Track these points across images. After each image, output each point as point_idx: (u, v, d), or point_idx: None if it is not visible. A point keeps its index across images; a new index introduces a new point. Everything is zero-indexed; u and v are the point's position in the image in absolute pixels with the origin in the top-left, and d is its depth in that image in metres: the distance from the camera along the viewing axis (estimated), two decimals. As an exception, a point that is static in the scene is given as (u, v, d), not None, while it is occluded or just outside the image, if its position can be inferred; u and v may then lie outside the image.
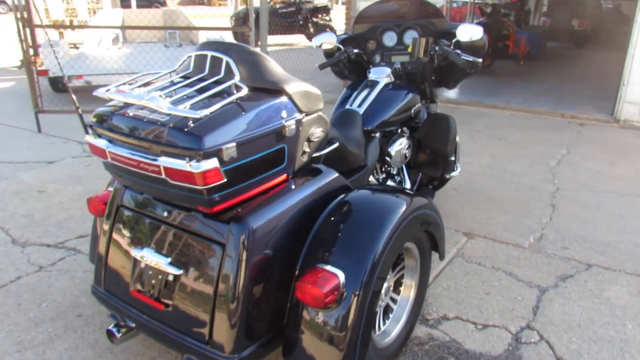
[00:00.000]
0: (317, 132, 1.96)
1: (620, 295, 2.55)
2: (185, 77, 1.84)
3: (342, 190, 2.01)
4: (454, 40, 2.78)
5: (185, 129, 1.54)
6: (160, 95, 1.60)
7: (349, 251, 1.73)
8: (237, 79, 1.74)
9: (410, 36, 2.99)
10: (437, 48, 2.76)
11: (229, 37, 8.21)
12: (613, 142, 5.21)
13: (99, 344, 2.19)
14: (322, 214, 1.88)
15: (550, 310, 2.43)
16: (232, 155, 1.59)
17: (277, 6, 14.59)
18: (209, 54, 1.84)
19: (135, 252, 1.84)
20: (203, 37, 8.39)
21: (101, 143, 1.72)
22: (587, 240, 3.11)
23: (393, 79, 2.87)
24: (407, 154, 2.91)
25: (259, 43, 5.38)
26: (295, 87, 1.83)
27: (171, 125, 1.56)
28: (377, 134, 2.71)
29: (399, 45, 3.04)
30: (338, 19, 15.18)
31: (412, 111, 2.86)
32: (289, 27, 13.99)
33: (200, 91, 1.68)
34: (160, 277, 1.79)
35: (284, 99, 1.79)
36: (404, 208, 1.86)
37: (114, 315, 1.96)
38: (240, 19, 14.16)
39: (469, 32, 2.66)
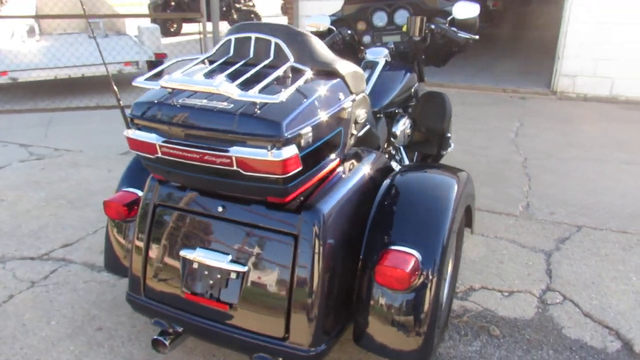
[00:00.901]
0: (362, 114, 1.93)
1: (616, 252, 2.76)
2: (228, 63, 1.73)
3: (387, 171, 2.00)
4: (449, 18, 2.82)
5: (263, 116, 1.45)
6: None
7: (419, 231, 1.72)
8: (292, 61, 1.66)
9: (400, 16, 3.00)
10: (433, 26, 2.79)
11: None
12: (556, 112, 5.58)
13: (134, 356, 2.03)
14: (376, 196, 1.85)
15: (562, 272, 2.58)
16: (308, 140, 1.52)
17: (198, -8, 14.06)
18: (253, 36, 1.74)
19: (186, 253, 1.72)
20: (131, 26, 7.92)
21: (150, 137, 1.58)
22: (569, 204, 3.33)
23: (390, 59, 2.88)
24: (409, 134, 2.94)
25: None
26: (346, 67, 1.78)
27: (245, 112, 1.46)
28: (382, 115, 2.71)
29: (390, 25, 3.04)
30: (262, 5, 14.94)
31: (412, 90, 2.89)
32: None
33: (259, 76, 1.59)
34: (219, 276, 1.68)
35: (338, 80, 1.74)
36: (457, 184, 1.88)
37: (159, 322, 1.83)
38: (159, 7, 13.50)
39: (466, 9, 2.71)
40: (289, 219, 1.62)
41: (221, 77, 1.52)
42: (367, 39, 3.06)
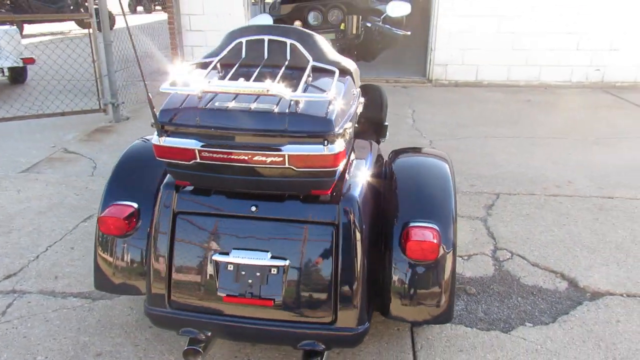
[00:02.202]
0: (360, 107, 2.07)
1: (533, 210, 3.28)
2: (246, 65, 1.75)
3: (380, 157, 2.17)
4: (382, 16, 3.07)
5: (314, 114, 1.53)
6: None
7: (433, 207, 1.92)
8: (312, 60, 1.75)
9: (334, 14, 3.18)
10: (369, 24, 3.02)
11: None
12: (436, 98, 6.23)
13: (154, 373, 1.96)
14: (384, 179, 2.02)
15: (501, 232, 3.00)
16: (350, 134, 1.63)
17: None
18: (266, 38, 1.79)
19: (218, 257, 1.72)
20: None
21: (189, 143, 1.56)
22: (481, 177, 3.82)
23: None
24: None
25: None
26: (351, 64, 1.92)
27: (296, 112, 1.53)
28: None
29: (325, 24, 3.20)
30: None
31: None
32: (57, 13, 12.37)
33: (288, 76, 1.65)
34: (258, 274, 1.72)
35: (348, 76, 1.86)
36: (448, 164, 2.12)
37: (189, 330, 1.80)
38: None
39: (399, 8, 2.98)
40: (327, 210, 1.72)
41: (269, 80, 1.56)
42: None
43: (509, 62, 6.61)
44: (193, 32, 6.83)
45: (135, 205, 1.99)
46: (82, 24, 13.01)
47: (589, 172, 3.86)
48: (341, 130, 1.56)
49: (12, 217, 3.18)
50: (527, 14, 6.36)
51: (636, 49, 6.45)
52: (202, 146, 1.57)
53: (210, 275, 1.75)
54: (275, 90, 1.50)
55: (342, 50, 3.15)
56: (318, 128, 1.53)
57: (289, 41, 1.78)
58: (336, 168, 1.58)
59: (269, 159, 1.55)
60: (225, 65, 1.79)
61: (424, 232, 1.81)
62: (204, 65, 1.82)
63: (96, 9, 4.80)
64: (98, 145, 4.52)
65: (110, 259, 2.02)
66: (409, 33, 3.09)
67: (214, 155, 1.57)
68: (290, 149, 1.53)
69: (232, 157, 1.57)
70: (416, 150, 2.29)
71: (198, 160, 1.60)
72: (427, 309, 1.88)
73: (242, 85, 1.53)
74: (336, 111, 1.58)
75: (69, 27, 13.37)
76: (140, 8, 20.89)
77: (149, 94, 1.53)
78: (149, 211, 1.99)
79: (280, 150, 1.54)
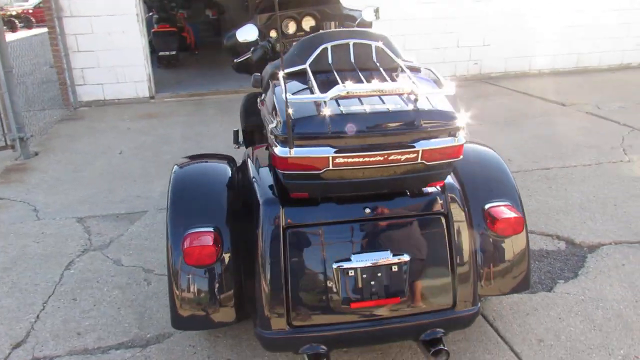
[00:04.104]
0: None
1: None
2: (340, 70, 1.76)
3: None
4: (357, 22, 3.19)
5: (443, 108, 1.61)
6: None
7: (504, 187, 2.08)
8: (401, 59, 1.81)
9: (308, 23, 3.22)
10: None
11: None
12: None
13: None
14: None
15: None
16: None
17: None
18: (350, 42, 1.81)
19: (340, 264, 1.71)
20: None
21: (324, 151, 1.54)
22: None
23: None
24: None
25: None
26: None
27: (426, 108, 1.59)
28: None
29: (299, 32, 3.22)
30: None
31: None
32: None
33: (389, 76, 1.71)
34: (379, 274, 1.74)
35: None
36: (494, 150, 2.30)
37: (312, 347, 1.74)
38: None
39: (372, 13, 3.13)
40: (435, 200, 1.80)
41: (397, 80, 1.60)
42: (277, 46, 3.17)
43: (402, 62, 7.16)
44: (82, 53, 6.25)
45: (211, 229, 1.86)
46: None
47: (518, 150, 4.40)
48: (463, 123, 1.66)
49: (-26, 278, 2.67)
50: (412, 18, 6.97)
51: (502, 43, 7.43)
52: (335, 152, 1.55)
53: (332, 285, 1.72)
54: (409, 88, 1.55)
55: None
56: (448, 121, 1.61)
57: (374, 43, 1.82)
58: (459, 158, 1.67)
59: (403, 157, 1.59)
60: (314, 72, 1.77)
61: (505, 210, 1.98)
62: (294, 75, 1.77)
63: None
64: (23, 186, 3.94)
65: (194, 292, 1.86)
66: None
67: (348, 160, 1.56)
68: (424, 144, 1.59)
69: (367, 159, 1.57)
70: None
71: (330, 167, 1.57)
72: (512, 280, 2.05)
73: (378, 87, 1.55)
74: (452, 105, 1.67)
75: None
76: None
77: (288, 110, 1.47)
78: (227, 233, 1.88)
79: (414, 146, 1.58)
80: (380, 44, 1.84)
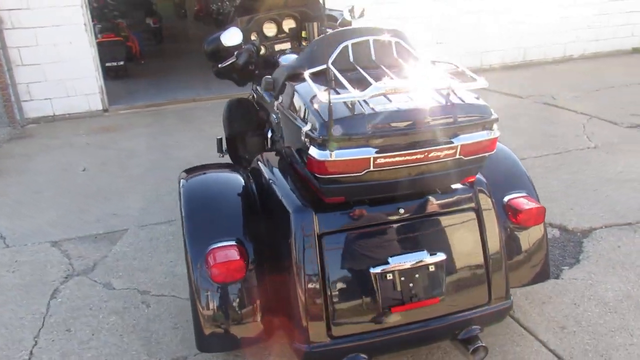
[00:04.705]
0: None
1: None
2: (364, 67, 1.70)
3: None
4: (338, 22, 3.14)
5: (477, 102, 1.58)
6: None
7: (520, 179, 2.10)
8: (417, 54, 1.78)
9: (288, 24, 3.14)
10: (330, 30, 3.06)
11: None
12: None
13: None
14: None
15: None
16: None
17: None
18: (371, 39, 1.76)
19: (377, 269, 1.65)
20: None
21: (366, 152, 1.48)
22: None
23: None
24: None
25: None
26: None
27: (463, 102, 1.56)
28: None
29: (281, 34, 3.13)
30: None
31: None
32: None
33: (414, 71, 1.68)
34: (417, 275, 1.70)
35: None
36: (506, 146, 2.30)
37: (355, 357, 1.67)
38: None
39: (357, 11, 3.09)
40: (465, 196, 1.78)
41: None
42: (263, 50, 3.07)
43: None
44: (27, 67, 5.86)
45: (234, 242, 1.76)
46: None
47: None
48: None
49: (-54, 318, 2.41)
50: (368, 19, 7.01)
51: (453, 42, 7.61)
52: (376, 152, 1.49)
53: (371, 290, 1.66)
54: (447, 84, 1.51)
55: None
56: (483, 115, 1.59)
57: (393, 39, 1.77)
58: (493, 152, 1.65)
59: (443, 153, 1.55)
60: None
61: (527, 202, 1.98)
62: (317, 74, 1.70)
63: None
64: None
65: (222, 310, 1.75)
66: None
67: (390, 160, 1.51)
68: (462, 139, 1.56)
69: (408, 158, 1.52)
70: None
71: (371, 168, 1.51)
72: (532, 270, 2.06)
73: (418, 83, 1.50)
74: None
75: None
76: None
77: (331, 104, 1.39)
78: (249, 245, 1.78)
79: (452, 142, 1.55)
80: (400, 40, 1.80)
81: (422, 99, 1.57)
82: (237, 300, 1.74)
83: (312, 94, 1.60)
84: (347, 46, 1.75)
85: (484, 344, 1.74)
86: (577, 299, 2.30)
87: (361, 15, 3.06)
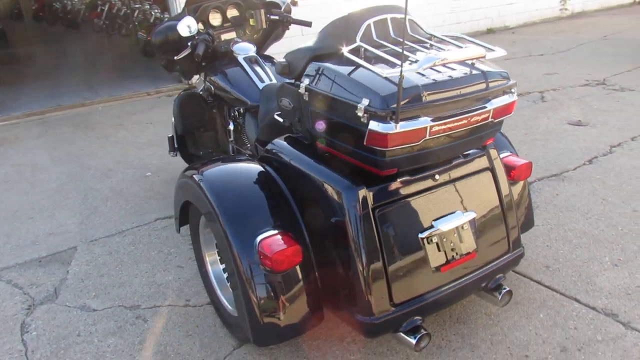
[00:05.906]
0: None
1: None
2: (389, 43, 1.76)
3: None
4: (283, 7, 3.12)
5: (498, 69, 1.73)
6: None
7: (496, 140, 2.31)
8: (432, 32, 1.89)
9: (232, 13, 3.04)
10: (276, 17, 3.04)
11: None
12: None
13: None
14: None
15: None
16: None
17: None
18: (388, 17, 1.82)
19: (424, 234, 1.76)
20: None
21: (424, 122, 1.55)
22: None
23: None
24: None
25: None
26: None
27: (492, 69, 1.70)
28: None
29: (226, 23, 3.03)
30: None
31: None
32: None
33: (433, 45, 1.79)
34: (455, 235, 1.83)
35: None
36: None
37: (414, 320, 1.76)
38: None
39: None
40: (482, 157, 1.94)
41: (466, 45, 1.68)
42: (222, 37, 2.97)
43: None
44: None
45: (281, 229, 1.74)
46: None
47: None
48: None
49: None
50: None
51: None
52: (431, 121, 1.57)
53: (422, 255, 1.75)
54: (483, 52, 1.64)
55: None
56: (507, 80, 1.74)
57: (408, 17, 1.84)
58: (511, 114, 1.82)
59: (481, 117, 1.68)
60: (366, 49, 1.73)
61: (516, 158, 2.21)
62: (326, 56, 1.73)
63: None
64: None
65: (281, 300, 1.72)
66: (310, 22, 3.24)
67: (442, 127, 1.59)
68: (494, 103, 1.70)
69: (456, 124, 1.62)
70: None
71: (427, 137, 1.58)
72: (521, 220, 2.30)
73: (463, 53, 1.60)
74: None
75: None
76: None
77: (401, 81, 1.43)
78: (293, 229, 1.77)
79: (485, 106, 1.68)
80: (412, 17, 1.88)
81: (459, 68, 1.67)
82: (294, 287, 1.72)
83: (362, 71, 1.63)
84: (369, 24, 1.79)
85: (509, 289, 1.93)
86: (546, 241, 2.62)
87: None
